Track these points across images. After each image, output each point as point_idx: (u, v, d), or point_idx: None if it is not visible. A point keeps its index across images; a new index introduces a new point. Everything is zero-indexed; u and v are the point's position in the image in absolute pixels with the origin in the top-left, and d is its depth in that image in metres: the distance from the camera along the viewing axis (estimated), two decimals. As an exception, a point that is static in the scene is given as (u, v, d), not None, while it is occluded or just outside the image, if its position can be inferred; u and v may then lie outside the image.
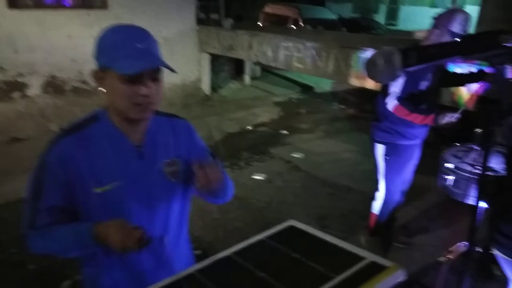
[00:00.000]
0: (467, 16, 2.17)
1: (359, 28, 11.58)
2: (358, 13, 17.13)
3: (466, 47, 0.78)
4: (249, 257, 0.89)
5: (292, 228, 1.02)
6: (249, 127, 6.40)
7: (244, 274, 0.83)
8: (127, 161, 1.10)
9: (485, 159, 1.06)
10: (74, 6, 6.21)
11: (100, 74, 1.03)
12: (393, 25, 16.43)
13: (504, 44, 0.75)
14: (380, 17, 17.08)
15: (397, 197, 2.60)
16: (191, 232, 3.49)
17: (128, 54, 0.98)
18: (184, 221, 1.29)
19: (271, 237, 0.97)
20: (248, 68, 9.18)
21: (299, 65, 5.24)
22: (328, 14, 11.16)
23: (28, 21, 5.78)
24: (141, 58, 0.99)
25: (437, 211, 3.41)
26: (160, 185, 1.14)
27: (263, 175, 4.49)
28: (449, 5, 12.04)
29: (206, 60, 7.75)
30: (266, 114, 7.13)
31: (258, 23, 12.12)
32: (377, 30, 11.32)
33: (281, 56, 5.55)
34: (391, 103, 2.19)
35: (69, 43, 6.15)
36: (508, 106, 0.92)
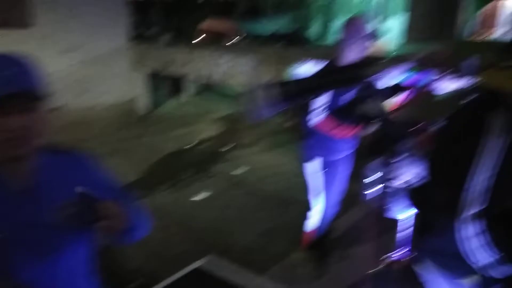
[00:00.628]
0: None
1: (296, 41, 11.91)
2: (291, 28, 17.70)
3: (338, 81, 0.76)
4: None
5: (198, 270, 0.94)
6: (190, 145, 6.26)
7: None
8: (8, 209, 0.95)
9: (386, 179, 1.08)
10: (-10, 26, 5.74)
11: None
12: (325, 39, 17.15)
13: (366, 80, 0.75)
14: (313, 32, 17.78)
15: (335, 209, 2.62)
16: (128, 265, 3.21)
17: None
18: (84, 270, 1.13)
19: (174, 284, 0.89)
20: (186, 84, 9.04)
21: (238, 80, 5.23)
22: (265, 29, 11.37)
23: None
24: None
25: (370, 220, 3.44)
26: (51, 233, 1.00)
27: (205, 194, 4.38)
28: (375, 17, 12.77)
29: (142, 78, 7.51)
30: (207, 131, 7.02)
31: (198, 38, 12.07)
32: (312, 43, 11.73)
33: (218, 72, 5.52)
34: (316, 119, 2.18)
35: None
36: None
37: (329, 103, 2.16)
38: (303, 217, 3.62)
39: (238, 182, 4.73)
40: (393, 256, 2.15)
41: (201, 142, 6.42)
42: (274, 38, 11.38)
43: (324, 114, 2.17)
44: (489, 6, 15.36)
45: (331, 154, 2.39)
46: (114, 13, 6.93)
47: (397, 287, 1.33)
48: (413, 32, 14.84)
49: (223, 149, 5.99)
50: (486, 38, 14.68)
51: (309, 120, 2.21)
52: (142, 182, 4.90)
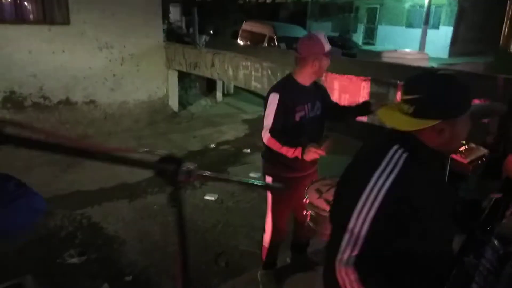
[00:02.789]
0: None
1: (340, 46, 11.70)
2: (337, 32, 17.41)
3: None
4: None
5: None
6: (212, 145, 6.35)
7: None
8: None
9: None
10: (35, 21, 6.18)
11: None
12: (371, 44, 16.70)
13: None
14: (359, 37, 17.38)
15: (285, 228, 2.48)
16: (127, 255, 3.33)
17: None
18: None
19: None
20: (220, 84, 9.17)
21: (257, 85, 5.23)
22: (302, 32, 11.27)
23: (-15, 36, 5.74)
24: None
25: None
26: None
27: (215, 195, 4.43)
28: (422, 25, 12.27)
29: (174, 77, 7.73)
30: (232, 132, 7.10)
31: (236, 39, 12.23)
32: (352, 50, 11.47)
33: (240, 75, 5.55)
34: (265, 136, 2.08)
35: (29, 58, 6.08)
36: None
37: (276, 121, 2.06)
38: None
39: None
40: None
41: (224, 143, 6.49)
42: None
43: (271, 132, 2.07)
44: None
45: (284, 172, 2.24)
46: (149, 13, 7.19)
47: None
48: (459, 44, 14.12)
49: (244, 151, 6.02)
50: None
51: (262, 135, 2.12)
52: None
